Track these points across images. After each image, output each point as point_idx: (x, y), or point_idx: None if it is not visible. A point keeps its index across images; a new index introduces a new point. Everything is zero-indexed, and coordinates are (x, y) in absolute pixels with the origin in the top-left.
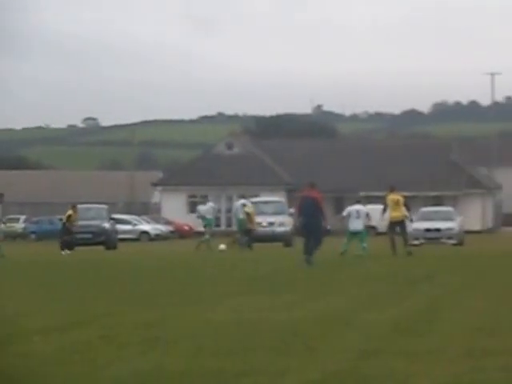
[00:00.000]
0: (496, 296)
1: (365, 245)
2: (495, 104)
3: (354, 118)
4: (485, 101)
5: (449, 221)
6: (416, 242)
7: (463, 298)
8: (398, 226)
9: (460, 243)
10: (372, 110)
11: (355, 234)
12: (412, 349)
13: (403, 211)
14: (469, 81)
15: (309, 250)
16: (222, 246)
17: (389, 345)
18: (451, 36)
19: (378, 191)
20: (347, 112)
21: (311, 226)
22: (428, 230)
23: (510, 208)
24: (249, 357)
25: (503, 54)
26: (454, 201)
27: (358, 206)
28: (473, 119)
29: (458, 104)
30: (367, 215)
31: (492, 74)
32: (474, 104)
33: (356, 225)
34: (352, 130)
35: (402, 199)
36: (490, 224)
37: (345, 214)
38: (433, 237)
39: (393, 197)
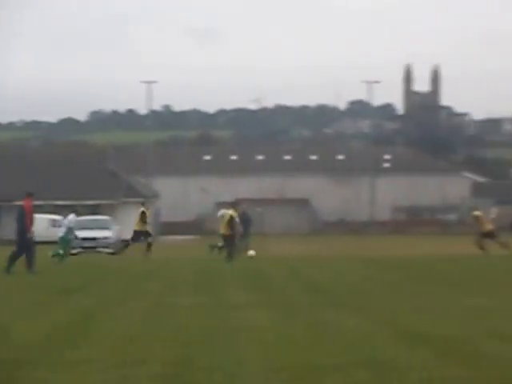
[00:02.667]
0: (147, 308)
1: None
2: (153, 112)
3: (11, 126)
4: (142, 109)
5: (105, 230)
6: (73, 251)
7: (116, 307)
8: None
9: (117, 252)
10: (28, 117)
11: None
12: (65, 359)
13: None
14: (126, 89)
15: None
16: (252, 253)
17: (42, 355)
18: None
19: (35, 200)
20: (2, 120)
21: (18, 235)
22: (85, 239)
23: (168, 217)
24: None
25: (159, 63)
26: (111, 210)
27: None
28: (130, 128)
29: (115, 112)
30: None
31: (148, 83)
32: (131, 113)
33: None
34: (8, 138)
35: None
36: None
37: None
38: (89, 246)
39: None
